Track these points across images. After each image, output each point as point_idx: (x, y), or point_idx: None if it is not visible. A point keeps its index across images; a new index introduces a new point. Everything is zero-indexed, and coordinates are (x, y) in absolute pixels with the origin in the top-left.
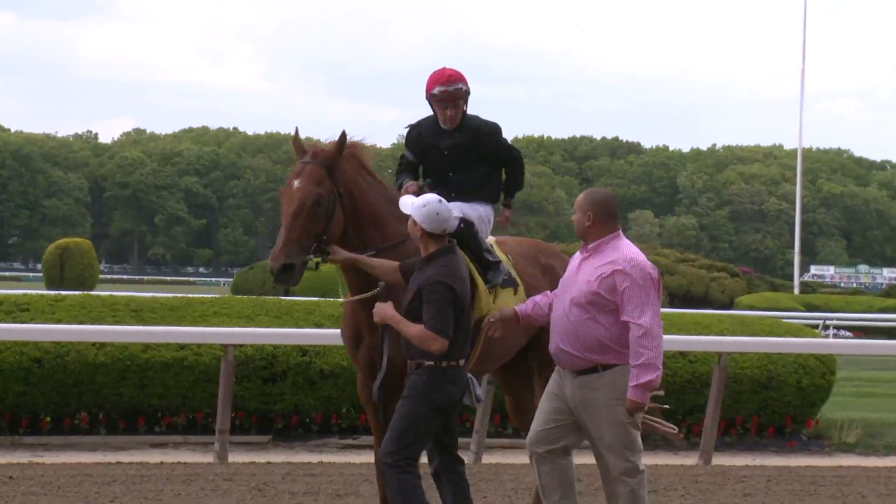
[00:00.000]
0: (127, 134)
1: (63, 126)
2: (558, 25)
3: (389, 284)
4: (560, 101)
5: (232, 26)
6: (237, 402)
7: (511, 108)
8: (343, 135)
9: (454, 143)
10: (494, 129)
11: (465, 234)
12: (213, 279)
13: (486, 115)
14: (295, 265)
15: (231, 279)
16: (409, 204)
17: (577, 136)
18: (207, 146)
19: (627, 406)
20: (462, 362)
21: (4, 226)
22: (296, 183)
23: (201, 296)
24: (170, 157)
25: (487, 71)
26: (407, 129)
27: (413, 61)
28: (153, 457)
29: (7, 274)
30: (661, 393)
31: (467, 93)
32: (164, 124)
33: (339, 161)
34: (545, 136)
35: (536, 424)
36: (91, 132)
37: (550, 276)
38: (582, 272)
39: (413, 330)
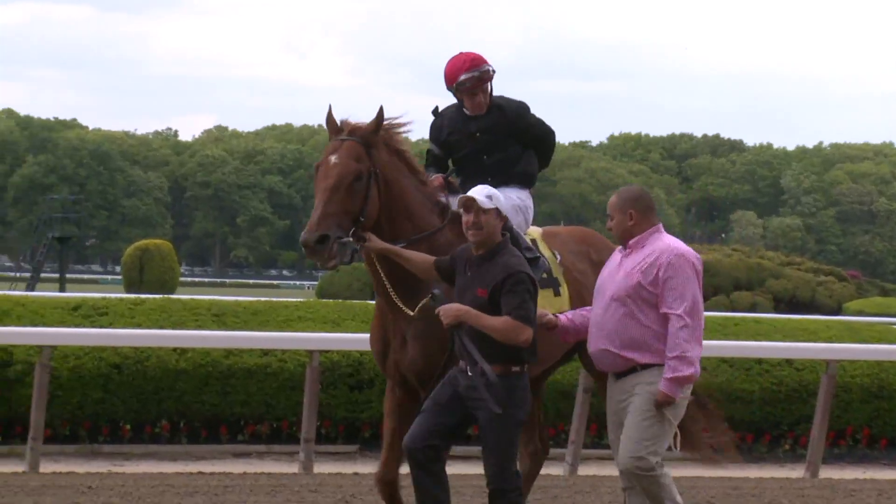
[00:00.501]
0: (208, 131)
1: (142, 123)
2: (657, 19)
3: (444, 289)
4: (659, 98)
5: (317, 20)
6: (323, 411)
7: (608, 104)
8: (381, 112)
9: (484, 126)
10: (522, 108)
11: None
12: (298, 282)
13: (583, 111)
14: (330, 236)
15: (316, 282)
16: (485, 199)
17: (677, 133)
18: (291, 144)
19: (658, 398)
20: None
21: (82, 227)
22: (332, 158)
23: (285, 300)
24: (252, 155)
25: (582, 66)
26: (433, 120)
27: (503, 56)
28: (236, 467)
29: (85, 276)
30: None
31: (493, 73)
32: (246, 121)
33: (377, 140)
34: (643, 134)
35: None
36: (171, 129)
37: None
38: (622, 268)
39: (496, 322)
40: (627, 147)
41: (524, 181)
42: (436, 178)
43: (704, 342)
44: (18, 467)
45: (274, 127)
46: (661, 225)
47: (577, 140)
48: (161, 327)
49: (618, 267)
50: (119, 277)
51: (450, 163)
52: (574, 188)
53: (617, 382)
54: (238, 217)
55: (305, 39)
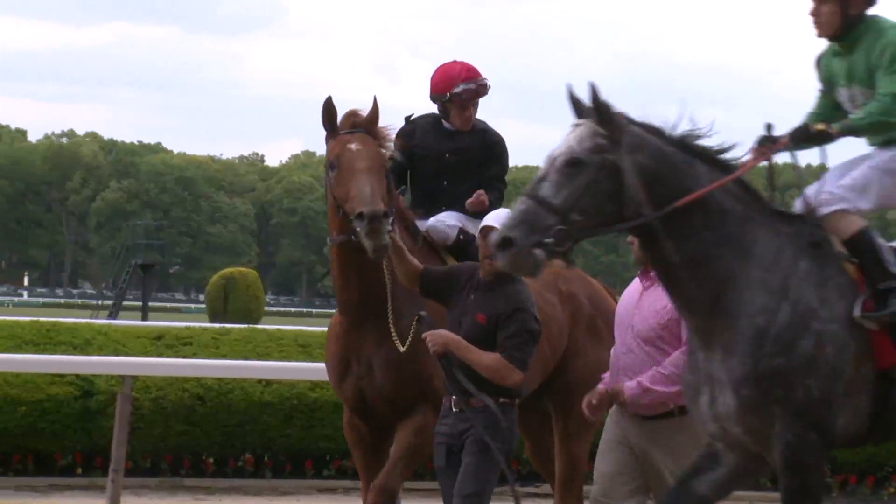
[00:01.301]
0: (295, 157)
1: (228, 148)
2: (751, 43)
3: (429, 316)
4: (751, 123)
5: (409, 42)
6: None
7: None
8: (376, 104)
9: (459, 148)
10: (501, 140)
11: (467, 247)
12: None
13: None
14: (388, 214)
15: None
16: (493, 222)
17: (777, 162)
18: None
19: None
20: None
21: (166, 254)
22: (354, 146)
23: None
24: None
25: (675, 90)
26: (403, 127)
27: (600, 79)
28: (321, 502)
29: (168, 304)
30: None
31: (489, 88)
32: None
33: (380, 135)
34: None
35: (601, 476)
36: (257, 154)
37: (571, 305)
38: (645, 302)
39: (487, 359)
40: None
41: (481, 214)
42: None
43: None
44: (99, 500)
45: None
46: None
47: None
48: (246, 358)
49: (639, 300)
50: (203, 306)
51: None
52: None
53: (647, 424)
54: (326, 246)
55: (396, 62)
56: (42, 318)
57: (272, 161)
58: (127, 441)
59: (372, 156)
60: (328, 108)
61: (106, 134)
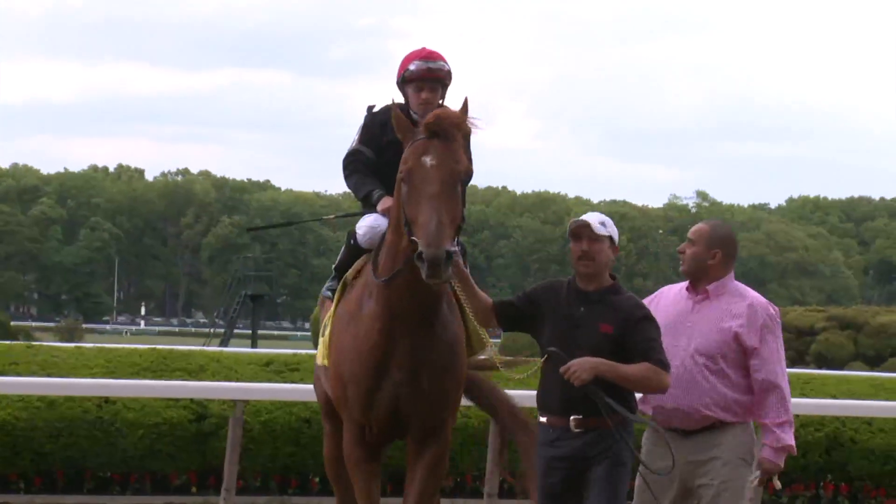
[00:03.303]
0: None
1: (333, 184)
2: (836, 81)
3: (557, 350)
4: (836, 160)
5: (505, 84)
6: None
7: (787, 166)
8: (466, 103)
9: None
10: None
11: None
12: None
13: (762, 173)
14: (451, 254)
15: (498, 339)
16: (599, 225)
17: (855, 196)
18: (476, 205)
19: (764, 467)
20: None
21: (274, 285)
22: (428, 160)
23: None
24: None
25: (760, 127)
26: (367, 115)
27: (689, 119)
28: None
29: (276, 332)
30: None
31: (449, 75)
32: None
33: (463, 137)
34: (821, 197)
35: None
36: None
37: None
38: (703, 318)
39: (637, 370)
40: (805, 210)
41: None
42: (387, 199)
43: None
44: None
45: None
46: (733, 273)
47: (757, 202)
48: None
49: (690, 314)
50: (308, 334)
51: None
52: (753, 250)
53: (689, 438)
54: None
55: (494, 103)
56: (158, 346)
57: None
58: (238, 461)
59: (446, 174)
60: (398, 120)
61: (218, 172)
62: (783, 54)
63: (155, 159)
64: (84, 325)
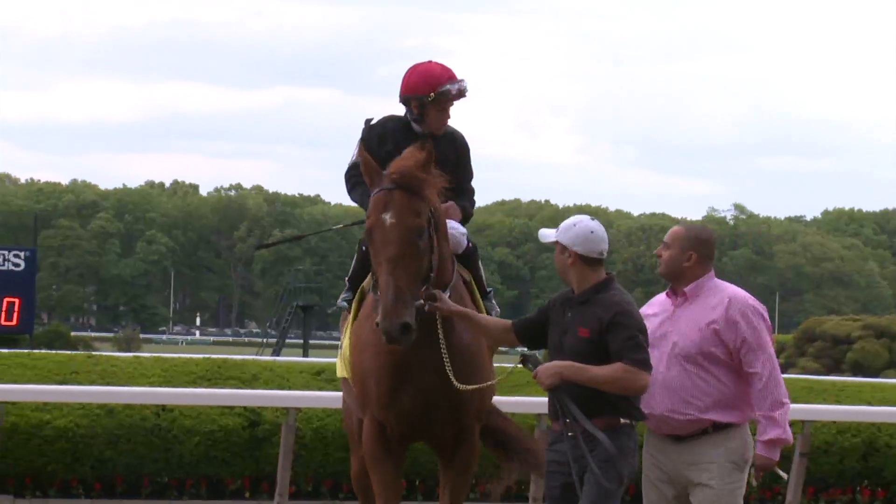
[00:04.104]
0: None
1: None
2: (871, 97)
3: (533, 354)
4: (870, 173)
5: (547, 101)
6: None
7: (820, 180)
8: (430, 148)
9: (435, 153)
10: (467, 142)
11: (474, 254)
12: (524, 350)
13: (799, 186)
14: (411, 325)
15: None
16: (549, 231)
17: (889, 208)
18: (519, 218)
19: (757, 463)
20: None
21: (324, 296)
22: (387, 218)
23: (517, 365)
24: (482, 228)
25: (792, 143)
26: (364, 129)
27: (726, 135)
28: None
29: (326, 342)
30: (784, 476)
31: (467, 93)
32: (480, 197)
33: (428, 179)
34: (856, 209)
35: None
36: None
37: None
38: (682, 320)
39: (606, 372)
40: (840, 222)
41: (462, 221)
42: None
43: None
44: None
45: (503, 202)
46: (713, 272)
47: (793, 215)
48: None
49: (671, 318)
50: None
51: None
52: (789, 261)
53: (681, 443)
54: None
55: (536, 120)
56: (213, 356)
57: None
58: (290, 467)
59: (403, 233)
60: (367, 164)
61: (270, 187)
62: (817, 73)
63: (209, 175)
64: (141, 336)
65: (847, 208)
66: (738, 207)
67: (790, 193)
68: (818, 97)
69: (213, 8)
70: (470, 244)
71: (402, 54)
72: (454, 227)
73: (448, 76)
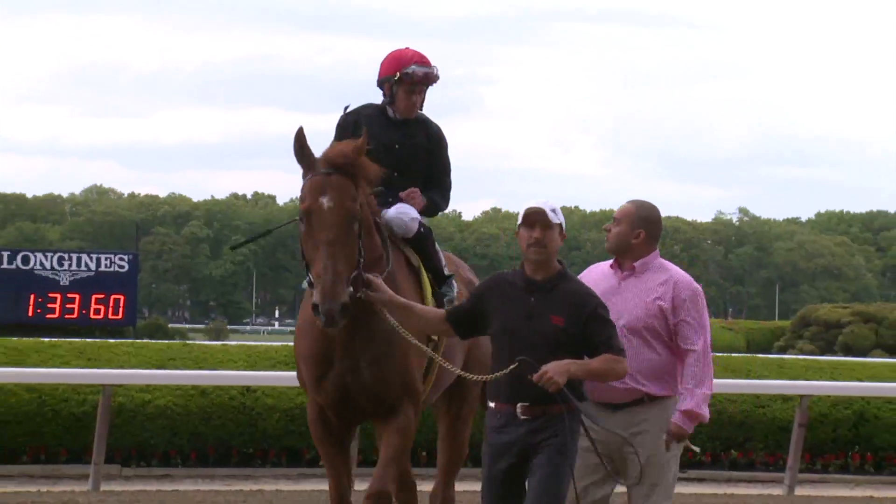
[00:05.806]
0: (486, 212)
1: None
2: (858, 115)
3: (527, 359)
4: (859, 180)
5: (577, 119)
6: None
7: (814, 186)
8: (365, 134)
9: (407, 140)
10: (442, 132)
11: (426, 240)
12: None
13: (795, 191)
14: (349, 305)
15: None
16: (552, 213)
17: (874, 210)
18: None
19: (672, 431)
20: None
21: None
22: (325, 202)
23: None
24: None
25: (797, 154)
26: (341, 116)
27: (732, 148)
28: None
29: None
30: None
31: (438, 79)
32: (517, 204)
33: (363, 171)
34: (845, 211)
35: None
36: (456, 211)
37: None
38: (629, 293)
39: (599, 363)
40: (832, 222)
41: (427, 210)
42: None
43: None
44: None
45: None
46: (658, 251)
47: (790, 216)
48: None
49: (619, 288)
50: None
51: None
52: (787, 256)
53: (618, 412)
54: None
55: (567, 136)
56: (290, 343)
57: (468, 216)
58: (357, 437)
59: (342, 217)
60: (299, 141)
61: None
62: (812, 94)
63: (285, 188)
64: (228, 327)
65: (837, 210)
66: (743, 210)
67: (788, 198)
68: (812, 115)
69: (288, 45)
70: (422, 229)
71: (450, 82)
72: (404, 211)
73: (416, 59)
